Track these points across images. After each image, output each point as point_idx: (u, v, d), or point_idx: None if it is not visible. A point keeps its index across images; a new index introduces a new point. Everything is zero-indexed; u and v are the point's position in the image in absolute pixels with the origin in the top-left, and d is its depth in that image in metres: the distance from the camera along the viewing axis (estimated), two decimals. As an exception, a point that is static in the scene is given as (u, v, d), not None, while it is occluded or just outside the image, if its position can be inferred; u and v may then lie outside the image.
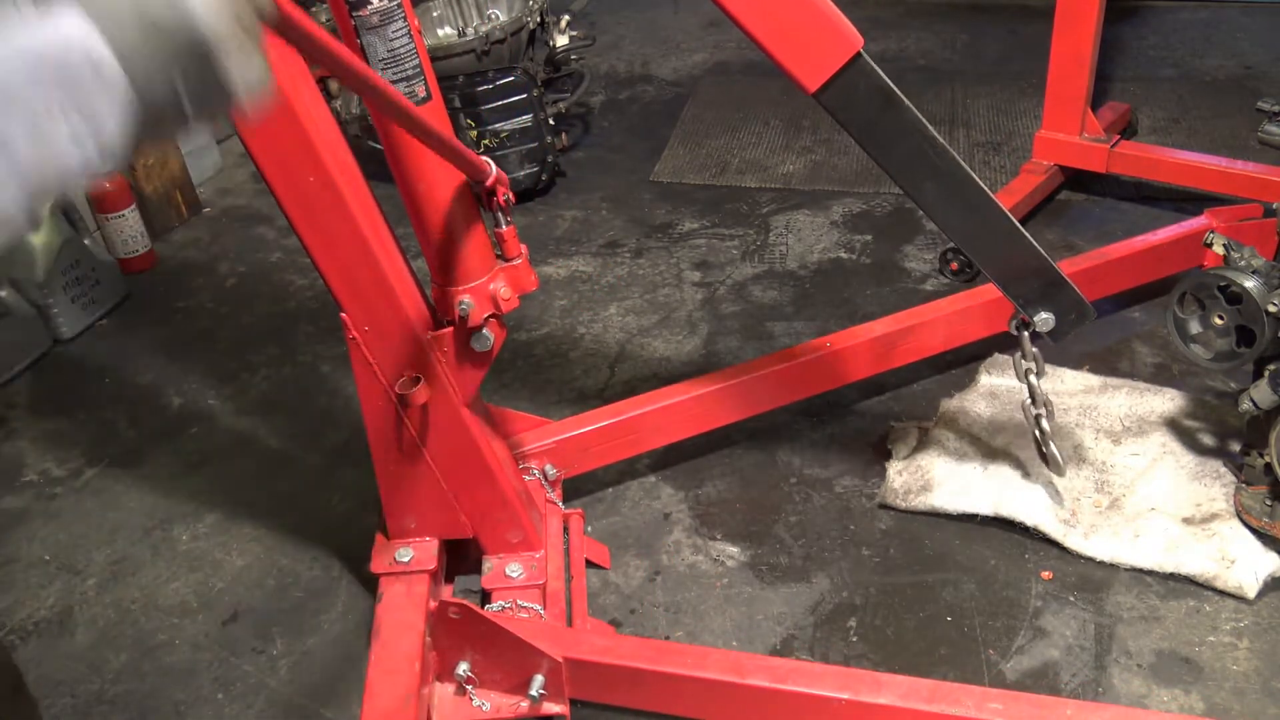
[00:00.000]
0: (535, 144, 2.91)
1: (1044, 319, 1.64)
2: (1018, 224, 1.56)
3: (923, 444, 1.94)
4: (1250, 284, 1.62)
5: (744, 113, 3.39)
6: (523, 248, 1.50)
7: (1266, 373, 1.64)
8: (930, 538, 1.81)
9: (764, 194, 2.95)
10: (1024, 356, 1.74)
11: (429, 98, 1.35)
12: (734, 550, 1.83)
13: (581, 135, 3.35)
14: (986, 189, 1.53)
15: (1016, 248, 1.58)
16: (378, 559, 1.65)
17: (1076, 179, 2.74)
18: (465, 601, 1.46)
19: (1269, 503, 1.67)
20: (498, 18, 2.90)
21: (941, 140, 1.47)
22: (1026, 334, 1.70)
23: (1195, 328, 1.72)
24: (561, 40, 3.07)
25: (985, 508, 1.80)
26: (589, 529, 1.89)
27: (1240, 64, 3.41)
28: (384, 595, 1.58)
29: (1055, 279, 1.61)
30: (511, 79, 2.84)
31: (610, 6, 4.32)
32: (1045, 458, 1.78)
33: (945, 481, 1.85)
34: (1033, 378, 1.74)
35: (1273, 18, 3.72)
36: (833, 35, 1.36)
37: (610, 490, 1.98)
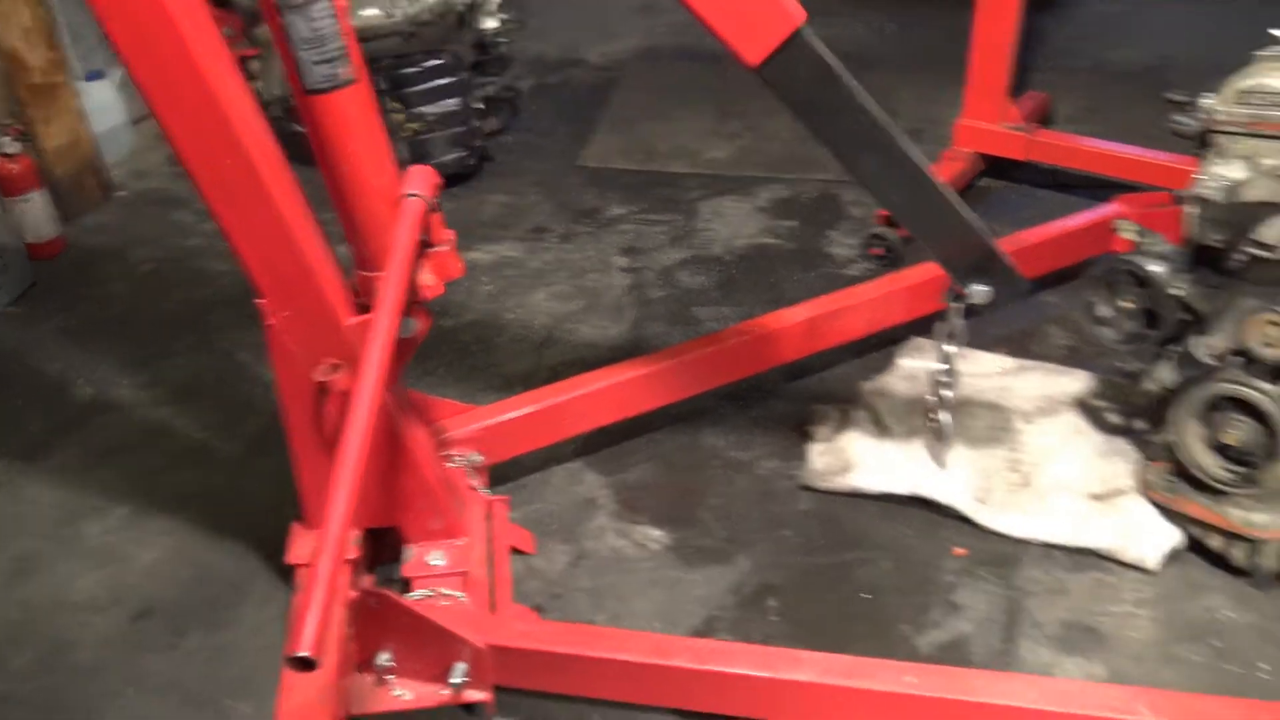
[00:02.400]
0: (463, 128, 2.87)
1: (979, 291, 1.67)
2: (954, 198, 1.59)
3: (843, 426, 1.98)
4: (1156, 269, 1.68)
5: (673, 98, 3.39)
6: (449, 233, 1.48)
7: (1169, 354, 1.70)
8: (850, 517, 1.84)
9: (692, 179, 2.96)
10: (950, 329, 1.77)
11: (354, 80, 1.32)
12: (658, 534, 1.84)
13: (510, 119, 3.31)
14: (925, 164, 1.54)
15: (952, 221, 1.61)
16: (295, 549, 1.62)
17: (996, 166, 2.80)
18: (384, 590, 1.45)
19: (1171, 479, 1.73)
20: (424, -1, 2.85)
21: (884, 115, 1.48)
22: (960, 306, 1.73)
23: (1105, 311, 1.78)
24: (491, 23, 3.03)
25: (903, 487, 1.84)
26: (513, 515, 1.88)
27: (1155, 56, 3.51)
28: (301, 586, 1.55)
29: (990, 252, 1.64)
30: (439, 62, 2.80)
31: (540, -11, 4.28)
32: (937, 428, 1.82)
33: (864, 462, 1.88)
34: (951, 347, 1.78)
35: (1186, 11, 3.84)
36: (774, 10, 1.37)
37: (535, 476, 1.97)
